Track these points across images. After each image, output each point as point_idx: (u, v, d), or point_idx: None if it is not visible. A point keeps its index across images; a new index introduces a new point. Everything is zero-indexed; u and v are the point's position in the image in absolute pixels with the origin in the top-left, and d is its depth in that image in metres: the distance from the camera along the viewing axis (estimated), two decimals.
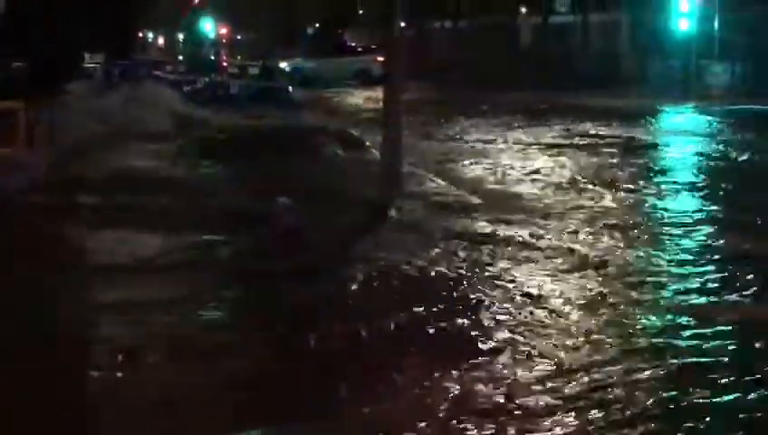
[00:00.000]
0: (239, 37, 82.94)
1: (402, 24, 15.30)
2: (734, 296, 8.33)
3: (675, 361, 6.60)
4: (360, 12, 60.76)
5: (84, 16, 26.79)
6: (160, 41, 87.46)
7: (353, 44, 53.71)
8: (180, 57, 69.31)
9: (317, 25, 70.07)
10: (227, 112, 24.03)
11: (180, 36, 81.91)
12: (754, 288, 8.52)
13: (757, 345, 6.95)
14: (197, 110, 24.93)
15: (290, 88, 34.52)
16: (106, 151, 16.19)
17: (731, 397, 5.94)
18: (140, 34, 69.57)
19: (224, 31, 79.08)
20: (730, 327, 7.40)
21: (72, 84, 25.65)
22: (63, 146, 16.73)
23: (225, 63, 56.09)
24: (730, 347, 6.90)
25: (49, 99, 18.70)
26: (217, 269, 9.25)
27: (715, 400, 5.90)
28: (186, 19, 74.64)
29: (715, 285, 8.74)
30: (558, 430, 5.46)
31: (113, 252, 9.67)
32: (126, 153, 16.25)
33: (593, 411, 5.70)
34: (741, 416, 5.68)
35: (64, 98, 22.09)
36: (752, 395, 5.94)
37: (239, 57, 67.44)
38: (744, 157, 18.23)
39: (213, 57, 64.79)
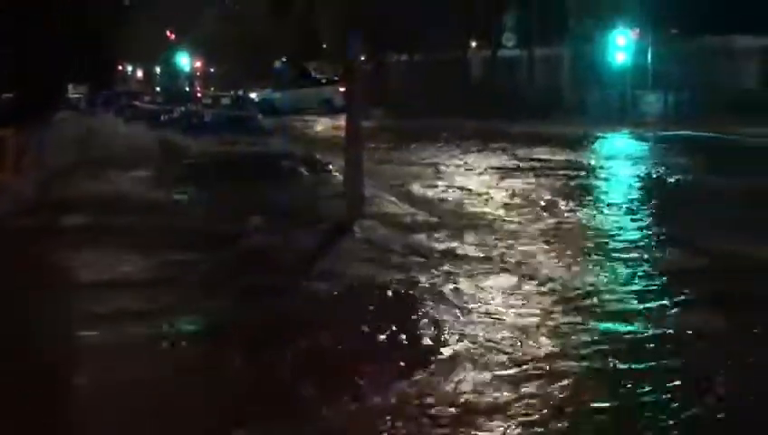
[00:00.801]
0: (212, 70, 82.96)
1: (362, 58, 15.35)
2: (654, 300, 8.43)
3: (584, 338, 6.68)
4: (324, 46, 60.76)
5: (69, 50, 26.79)
6: (139, 73, 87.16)
7: (317, 76, 53.73)
8: (158, 88, 69.17)
9: (284, 59, 70.10)
10: (202, 139, 23.89)
11: (158, 69, 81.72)
12: (681, 297, 8.62)
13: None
14: (175, 137, 24.82)
15: (259, 116, 34.48)
16: (90, 176, 16.12)
17: None
18: (120, 67, 69.38)
19: (198, 64, 79.11)
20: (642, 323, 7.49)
21: (58, 114, 25.57)
22: (50, 171, 16.64)
23: (199, 94, 55.89)
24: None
25: (36, 127, 18.62)
26: (191, 285, 9.21)
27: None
28: (163, 53, 74.45)
29: (633, 287, 8.89)
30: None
31: (95, 269, 9.64)
32: (109, 178, 16.19)
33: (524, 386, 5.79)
34: None
35: (51, 126, 22.00)
36: None
37: (212, 88, 67.40)
38: (676, 178, 18.38)
39: (188, 88, 64.66)
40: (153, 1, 53.75)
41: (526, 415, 5.67)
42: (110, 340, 7.29)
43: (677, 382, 6.23)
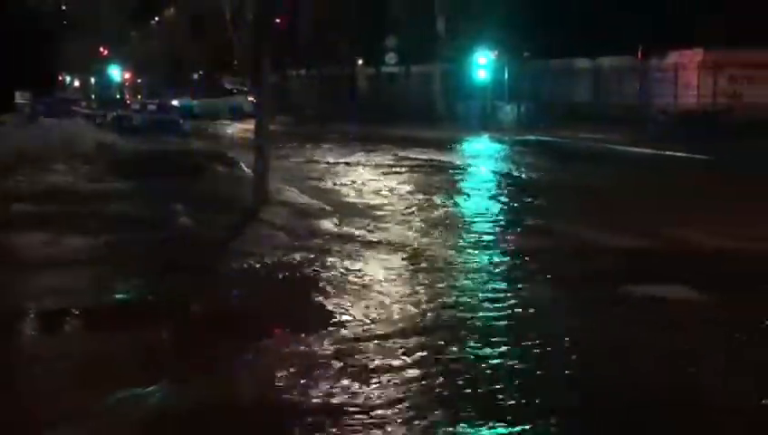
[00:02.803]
0: (139, 81, 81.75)
1: (269, 72, 15.28)
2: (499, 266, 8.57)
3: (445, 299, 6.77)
4: (235, 61, 60.27)
5: (17, 61, 26.26)
6: (77, 83, 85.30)
7: (229, 87, 53.35)
8: (93, 96, 68.05)
9: (201, 72, 69.52)
10: (132, 140, 23.46)
11: (93, 79, 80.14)
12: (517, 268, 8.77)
13: None
14: (108, 138, 24.37)
15: (181, 121, 34.12)
16: (35, 171, 15.75)
17: None
18: (60, 77, 67.86)
19: (127, 75, 77.91)
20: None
21: (5, 116, 24.94)
22: None
23: (128, 101, 55.03)
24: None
25: None
26: (121, 263, 9.08)
27: None
28: (97, 66, 73.08)
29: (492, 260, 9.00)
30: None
31: (37, 250, 9.44)
32: (52, 172, 15.85)
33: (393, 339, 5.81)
34: None
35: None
36: None
37: (140, 96, 66.33)
38: (527, 173, 18.66)
39: (119, 96, 63.62)
40: (89, 21, 52.69)
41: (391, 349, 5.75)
42: (51, 308, 7.15)
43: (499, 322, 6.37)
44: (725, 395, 5.43)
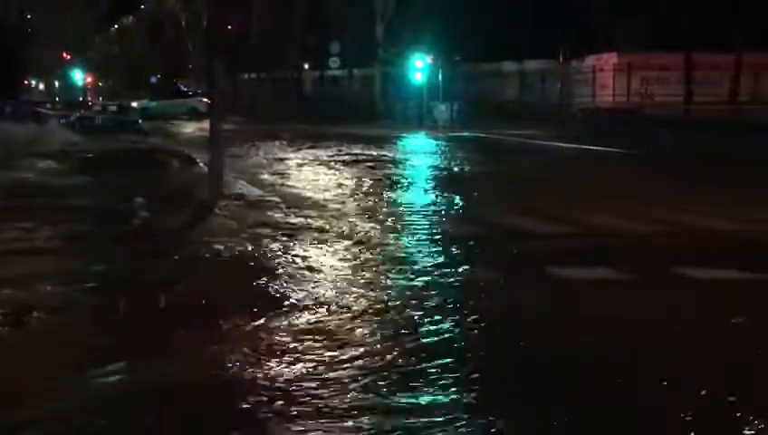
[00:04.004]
0: (100, 84, 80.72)
1: (222, 76, 15.20)
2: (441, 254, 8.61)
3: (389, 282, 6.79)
4: (191, 66, 59.74)
5: None
6: (41, 86, 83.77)
7: (186, 89, 52.89)
8: (57, 98, 67.14)
9: (158, 76, 68.85)
10: (94, 139, 23.23)
11: (56, 82, 78.83)
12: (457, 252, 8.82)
13: None
14: (72, 137, 24.04)
15: (140, 121, 33.78)
16: (1, 168, 15.50)
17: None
18: (26, 81, 66.67)
19: (89, 79, 76.67)
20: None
21: None
22: None
23: (90, 103, 54.42)
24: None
25: None
26: (88, 252, 8.95)
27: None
28: (60, 70, 71.91)
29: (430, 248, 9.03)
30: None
31: (6, 241, 9.29)
32: (18, 169, 15.62)
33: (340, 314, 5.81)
34: None
35: None
36: None
37: (101, 98, 65.68)
38: (460, 167, 18.76)
39: (81, 98, 62.78)
40: (52, 28, 51.83)
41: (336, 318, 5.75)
42: (21, 295, 7.03)
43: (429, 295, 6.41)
44: (633, 357, 5.52)
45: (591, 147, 23.07)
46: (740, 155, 20.58)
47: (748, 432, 4.32)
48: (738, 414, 4.53)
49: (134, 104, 47.39)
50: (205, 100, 36.15)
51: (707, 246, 9.33)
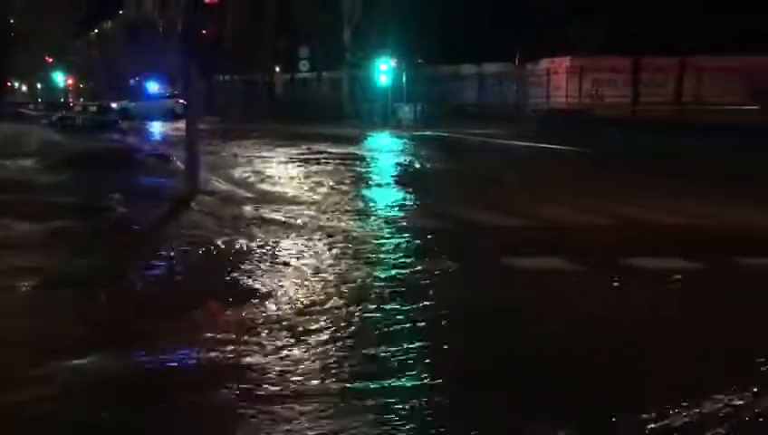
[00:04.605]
0: (81, 86, 79.92)
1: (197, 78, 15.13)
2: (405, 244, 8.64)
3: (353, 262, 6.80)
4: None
5: None
6: (24, 87, 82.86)
7: (163, 91, 52.54)
8: (39, 99, 66.53)
9: (137, 78, 68.43)
10: (75, 138, 22.96)
11: (39, 84, 78.01)
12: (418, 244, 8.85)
13: None
14: (53, 136, 23.77)
15: (119, 121, 33.57)
16: None
17: None
18: (9, 83, 65.87)
19: (70, 81, 75.95)
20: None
21: None
22: None
23: (71, 104, 53.92)
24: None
25: None
26: (68, 245, 8.88)
27: None
28: (42, 72, 71.14)
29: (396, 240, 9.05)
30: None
31: None
32: (2, 167, 15.44)
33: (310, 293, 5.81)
34: None
35: None
36: None
37: (82, 99, 65.02)
38: (423, 163, 18.80)
39: (63, 99, 62.18)
40: (35, 32, 51.23)
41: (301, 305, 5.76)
42: (1, 287, 6.97)
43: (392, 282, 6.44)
44: (578, 338, 5.62)
45: (546, 145, 23.20)
46: (683, 153, 20.80)
47: (682, 406, 4.39)
48: (669, 389, 4.62)
49: (113, 105, 47.00)
50: (181, 101, 35.90)
51: (654, 238, 9.44)
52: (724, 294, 6.84)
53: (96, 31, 78.89)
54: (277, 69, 54.99)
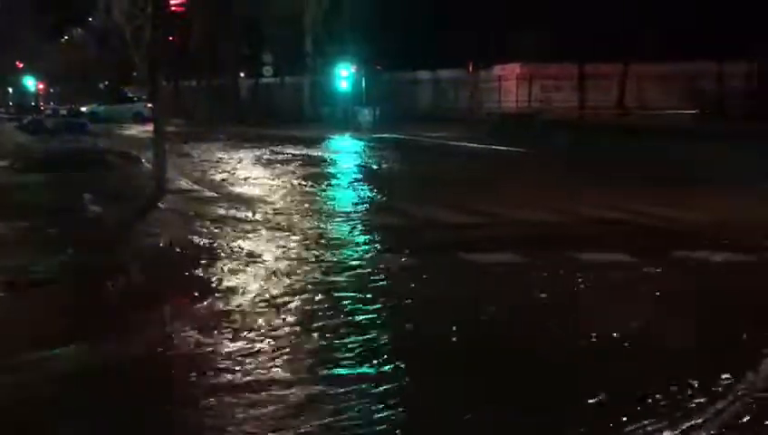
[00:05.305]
0: (52, 90, 78.83)
1: (164, 83, 14.99)
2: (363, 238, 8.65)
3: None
4: (135, 73, 58.70)
5: None
6: None
7: (131, 95, 52.04)
8: (10, 103, 65.57)
9: (106, 82, 67.67)
10: (45, 141, 22.71)
11: (10, 89, 76.74)
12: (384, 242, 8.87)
13: None
14: (25, 139, 23.46)
15: (89, 124, 33.19)
16: None
17: None
18: None
19: (41, 86, 74.89)
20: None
21: None
22: None
23: (42, 107, 53.21)
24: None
25: None
26: (42, 242, 8.77)
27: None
28: (13, 77, 70.02)
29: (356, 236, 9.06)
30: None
31: None
32: None
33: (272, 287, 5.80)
34: None
35: None
36: None
37: (52, 103, 64.20)
38: (381, 164, 18.81)
39: (34, 103, 61.30)
40: (4, 39, 50.51)
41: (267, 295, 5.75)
42: None
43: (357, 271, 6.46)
44: (522, 320, 5.66)
45: (498, 147, 23.33)
46: (624, 154, 21.07)
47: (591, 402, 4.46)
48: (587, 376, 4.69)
49: (83, 109, 46.49)
50: (149, 105, 35.60)
51: (599, 232, 9.55)
52: (657, 284, 6.93)
53: (66, 38, 77.77)
54: (242, 74, 54.71)
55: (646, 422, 4.08)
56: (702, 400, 4.35)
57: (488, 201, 12.12)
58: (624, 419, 4.12)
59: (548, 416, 4.27)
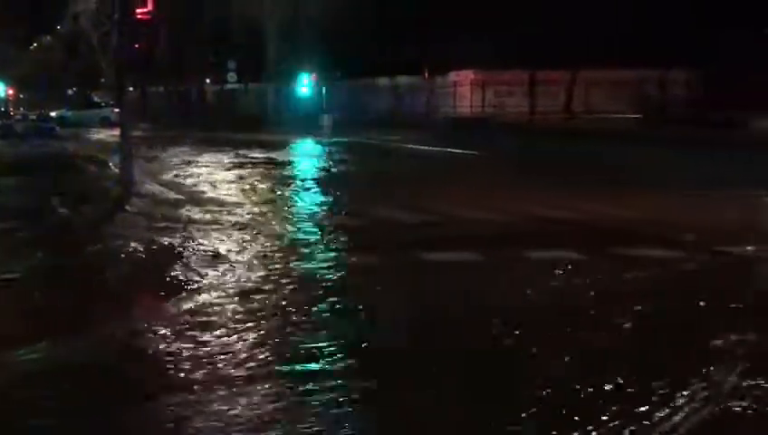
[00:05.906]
0: (21, 96, 77.57)
1: (130, 88, 14.84)
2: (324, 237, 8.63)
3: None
4: (102, 79, 58.00)
5: None
6: None
7: (98, 101, 51.38)
8: None
9: (74, 88, 66.79)
10: (15, 145, 22.34)
11: None
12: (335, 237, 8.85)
13: None
14: None
15: (57, 128, 32.74)
16: None
17: None
18: None
19: (11, 92, 73.60)
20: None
21: None
22: None
23: (12, 112, 52.33)
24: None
25: None
26: (11, 244, 8.62)
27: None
28: None
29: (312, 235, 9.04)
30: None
31: None
32: None
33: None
34: None
35: None
36: None
37: (22, 108, 63.12)
38: (341, 167, 18.78)
39: (3, 108, 60.27)
40: None
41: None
42: None
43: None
44: (477, 315, 5.68)
45: (453, 150, 23.40)
46: (572, 157, 21.27)
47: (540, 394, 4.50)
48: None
49: (52, 114, 45.83)
50: (116, 110, 35.17)
51: (549, 231, 9.62)
52: (603, 279, 7.00)
53: (35, 44, 76.59)
54: (207, 80, 54.36)
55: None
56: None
57: (444, 202, 12.15)
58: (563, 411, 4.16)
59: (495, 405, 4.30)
